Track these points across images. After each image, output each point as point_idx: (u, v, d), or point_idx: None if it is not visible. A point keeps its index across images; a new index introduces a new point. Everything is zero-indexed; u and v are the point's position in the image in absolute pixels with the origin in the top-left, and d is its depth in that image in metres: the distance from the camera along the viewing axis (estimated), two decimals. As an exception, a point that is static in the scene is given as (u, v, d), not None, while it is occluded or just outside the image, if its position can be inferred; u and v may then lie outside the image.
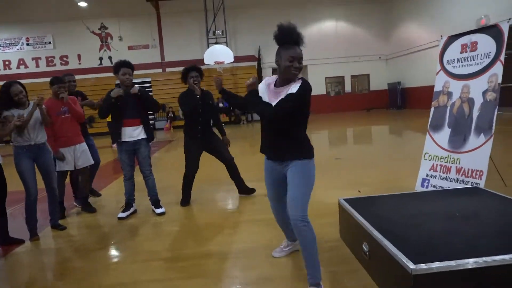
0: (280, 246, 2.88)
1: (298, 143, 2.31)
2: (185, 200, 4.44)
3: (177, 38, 19.37)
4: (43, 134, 3.67)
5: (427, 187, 3.96)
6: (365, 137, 10.75)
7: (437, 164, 3.89)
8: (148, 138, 4.10)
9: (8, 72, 19.01)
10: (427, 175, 4.00)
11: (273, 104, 2.24)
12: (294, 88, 2.18)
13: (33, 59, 19.19)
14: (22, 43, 19.09)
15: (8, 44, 19.04)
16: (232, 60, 16.14)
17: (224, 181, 5.20)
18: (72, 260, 3.20)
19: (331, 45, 19.98)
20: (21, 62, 19.18)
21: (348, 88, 20.84)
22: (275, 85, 2.33)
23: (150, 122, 4.49)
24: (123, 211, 4.14)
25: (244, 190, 4.64)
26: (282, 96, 2.22)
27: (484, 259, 1.82)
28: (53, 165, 3.77)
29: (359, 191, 4.37)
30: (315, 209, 3.84)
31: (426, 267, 1.78)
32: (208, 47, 17.41)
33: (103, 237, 3.67)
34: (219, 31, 18.58)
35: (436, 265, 1.79)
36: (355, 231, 2.63)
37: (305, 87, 2.19)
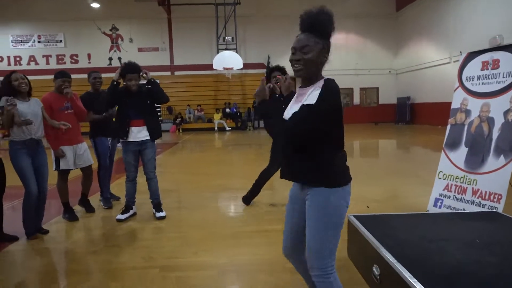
0: None
1: (318, 164, 1.70)
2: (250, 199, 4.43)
3: (187, 42, 19.40)
4: (42, 130, 3.56)
5: (440, 207, 3.78)
6: (372, 150, 10.57)
7: (452, 184, 3.71)
8: (154, 138, 3.98)
9: (18, 67, 19.09)
10: (440, 195, 3.82)
11: (292, 111, 1.71)
12: (313, 95, 1.63)
13: (43, 56, 19.31)
14: (34, 40, 19.23)
15: (20, 41, 19.20)
16: (241, 66, 16.11)
17: (235, 190, 5.08)
18: (66, 262, 3.06)
19: (341, 57, 19.89)
20: (32, 59, 19.31)
21: (356, 100, 20.70)
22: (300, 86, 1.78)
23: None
24: (122, 213, 4.01)
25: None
26: (301, 101, 1.69)
27: (512, 293, 1.65)
28: (47, 165, 3.64)
29: (367, 207, 4.20)
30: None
31: (447, 300, 1.62)
32: (218, 53, 17.41)
33: (100, 239, 3.53)
34: (229, 38, 18.60)
35: (457, 297, 1.62)
36: (365, 251, 2.46)
37: (329, 92, 1.62)
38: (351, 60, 19.96)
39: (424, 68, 17.54)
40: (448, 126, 3.95)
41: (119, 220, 3.92)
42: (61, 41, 19.29)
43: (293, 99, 1.80)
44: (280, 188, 5.71)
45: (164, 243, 3.37)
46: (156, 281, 2.60)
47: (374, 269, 2.27)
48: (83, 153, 4.08)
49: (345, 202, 1.74)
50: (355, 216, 2.84)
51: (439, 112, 13.54)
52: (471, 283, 1.78)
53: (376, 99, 20.79)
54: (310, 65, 1.66)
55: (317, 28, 1.65)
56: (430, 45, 17.22)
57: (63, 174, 4.02)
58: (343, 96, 20.81)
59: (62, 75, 3.91)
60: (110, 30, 19.50)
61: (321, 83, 1.66)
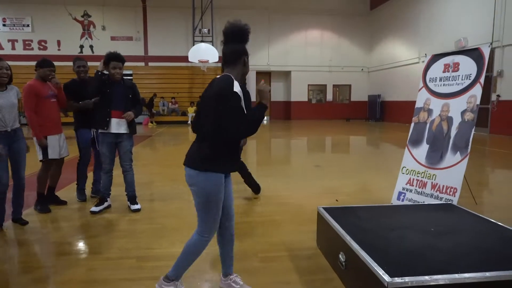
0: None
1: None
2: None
3: (162, 33, 19.11)
4: (17, 119, 3.51)
5: (403, 200, 4.04)
6: (344, 146, 10.92)
7: (413, 179, 3.98)
8: (131, 132, 4.00)
9: (-20, 52, 18.20)
10: (403, 189, 4.08)
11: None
12: None
13: (9, 41, 18.48)
14: (-2, 23, 18.35)
15: (-17, 23, 18.27)
16: (217, 59, 16.07)
17: None
18: (39, 254, 3.07)
19: (316, 53, 20.26)
20: (-5, 43, 18.43)
21: (329, 97, 21.16)
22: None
23: None
24: (96, 205, 4.02)
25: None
26: None
27: (457, 275, 1.86)
28: (25, 154, 3.61)
29: (336, 200, 4.42)
30: (295, 216, 3.88)
31: (401, 280, 1.80)
32: (194, 45, 17.28)
33: (74, 231, 3.54)
34: (205, 30, 18.47)
35: (411, 279, 1.82)
36: (333, 240, 2.64)
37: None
38: (326, 56, 20.36)
39: (395, 67, 18.17)
40: (412, 124, 4.21)
41: (93, 213, 3.93)
42: (28, 25, 18.50)
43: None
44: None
45: (140, 234, 3.43)
46: (132, 271, 2.67)
47: (340, 256, 2.45)
48: (63, 143, 4.07)
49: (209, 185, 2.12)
50: (324, 208, 3.02)
51: (408, 110, 14.10)
52: (426, 266, 1.98)
53: (349, 96, 21.32)
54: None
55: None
56: (401, 44, 17.83)
57: (47, 164, 3.99)
58: (317, 92, 21.23)
59: (48, 64, 3.88)
60: (82, 16, 18.89)
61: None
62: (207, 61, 16.28)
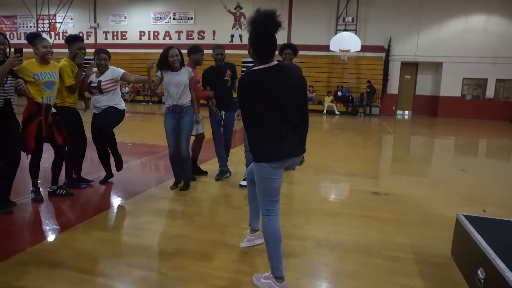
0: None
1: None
2: None
3: (306, 22, 19.35)
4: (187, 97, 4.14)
5: None
6: (501, 151, 9.27)
7: None
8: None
9: (156, 41, 21.76)
10: None
11: None
12: None
13: (176, 32, 21.54)
14: (170, 17, 21.54)
15: (159, 17, 21.72)
16: (359, 49, 15.52)
17: (339, 174, 5.11)
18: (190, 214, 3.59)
19: (476, 42, 17.46)
20: (167, 34, 21.72)
21: (490, 93, 18.07)
22: None
23: None
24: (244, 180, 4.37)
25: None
26: None
27: None
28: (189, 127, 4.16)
29: (484, 211, 3.83)
30: (428, 219, 3.55)
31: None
32: (336, 33, 17.03)
33: (221, 201, 4.01)
34: (349, 18, 17.93)
35: None
36: (472, 252, 2.33)
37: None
38: (490, 46, 17.38)
39: None
40: None
41: (242, 186, 4.32)
42: (191, 18, 21.21)
43: None
44: (384, 178, 5.55)
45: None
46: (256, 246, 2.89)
47: (479, 272, 2.16)
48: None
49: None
50: (465, 216, 2.68)
51: None
52: None
53: (516, 93, 17.84)
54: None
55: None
56: None
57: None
58: (473, 87, 18.43)
59: (199, 50, 4.54)
60: (235, 8, 20.61)
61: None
62: (348, 50, 15.86)
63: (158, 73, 4.03)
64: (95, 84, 4.03)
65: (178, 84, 3.96)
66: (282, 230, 2.49)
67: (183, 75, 4.00)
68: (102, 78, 4.06)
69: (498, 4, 17.14)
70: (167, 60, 3.91)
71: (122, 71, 4.15)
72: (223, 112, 4.61)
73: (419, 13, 17.65)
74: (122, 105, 4.21)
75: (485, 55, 17.48)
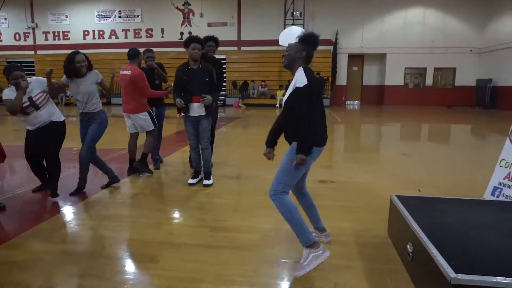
0: None
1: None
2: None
3: (255, 17, 19.50)
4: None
5: (498, 196, 3.59)
6: (440, 135, 9.97)
7: (513, 173, 3.50)
8: (208, 114, 4.27)
9: (101, 41, 20.89)
10: (500, 184, 3.61)
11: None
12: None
13: (122, 30, 20.81)
14: (115, 15, 20.75)
15: (103, 16, 20.84)
16: (307, 43, 15.84)
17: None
18: (125, 216, 3.52)
19: (416, 34, 18.58)
20: (113, 33, 20.91)
21: (429, 81, 19.34)
22: None
23: (221, 98, 4.76)
24: (192, 178, 4.45)
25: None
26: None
27: (540, 281, 1.64)
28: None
29: (419, 191, 4.13)
30: (369, 203, 3.75)
31: (466, 278, 1.66)
32: (284, 28, 17.31)
33: (164, 199, 3.97)
34: (297, 13, 18.32)
35: (478, 278, 1.66)
36: (402, 230, 2.51)
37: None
38: (427, 37, 18.54)
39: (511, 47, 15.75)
40: (517, 112, 3.67)
41: (191, 184, 4.37)
42: (138, 16, 20.57)
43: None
44: (332, 166, 5.77)
45: (216, 207, 3.70)
46: (205, 238, 2.92)
47: (408, 247, 2.33)
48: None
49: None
50: (397, 196, 2.87)
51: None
52: (500, 268, 1.78)
53: (452, 81, 19.21)
54: (288, 59, 2.49)
55: (303, 39, 2.50)
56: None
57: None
58: (415, 76, 19.56)
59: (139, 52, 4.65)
60: (183, 5, 20.28)
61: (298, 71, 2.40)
62: (297, 45, 16.18)
63: (64, 79, 3.86)
64: (27, 103, 3.63)
65: (84, 93, 3.86)
66: (230, 225, 2.51)
67: (90, 84, 3.87)
68: (31, 93, 3.64)
69: (433, -3, 18.30)
70: (74, 66, 3.74)
71: (42, 79, 3.81)
72: (154, 108, 5.02)
73: (363, 7, 18.42)
74: (61, 116, 3.89)
75: (424, 46, 18.63)
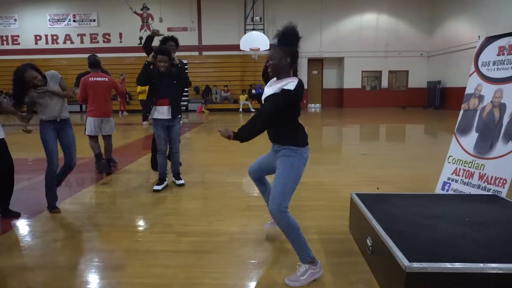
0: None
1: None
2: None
3: (216, 22, 19.53)
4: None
5: (447, 190, 3.88)
6: (397, 135, 10.50)
7: (460, 169, 3.79)
8: (175, 116, 4.32)
9: (55, 46, 20.01)
10: (448, 179, 3.90)
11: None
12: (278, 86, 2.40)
13: (78, 35, 20.05)
14: (69, 19, 19.96)
15: (57, 20, 19.98)
16: (268, 47, 16.11)
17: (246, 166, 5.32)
18: (90, 225, 3.44)
19: (370, 38, 19.44)
20: (68, 38, 20.09)
21: (385, 83, 20.27)
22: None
23: (183, 103, 4.77)
24: (157, 184, 4.39)
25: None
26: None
27: (482, 265, 1.81)
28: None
29: (377, 188, 4.35)
30: (332, 202, 3.91)
31: (419, 266, 1.80)
32: (245, 33, 17.47)
33: (130, 207, 3.90)
34: (257, 18, 18.56)
35: (430, 265, 1.81)
36: (362, 225, 2.66)
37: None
38: (382, 41, 19.46)
39: (457, 50, 16.88)
40: (461, 112, 3.99)
41: (156, 191, 4.32)
42: (94, 20, 19.92)
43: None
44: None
45: (182, 212, 3.70)
46: (171, 244, 2.92)
47: (367, 241, 2.47)
48: None
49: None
50: (357, 194, 3.03)
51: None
52: (450, 255, 1.95)
53: (406, 83, 20.27)
54: (274, 69, 2.42)
55: (282, 41, 2.42)
56: (465, 26, 16.50)
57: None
58: (372, 79, 20.42)
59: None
60: (141, 9, 19.89)
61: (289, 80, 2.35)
62: (258, 49, 16.39)
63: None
64: None
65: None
66: (197, 229, 2.48)
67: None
68: None
69: (386, 3, 19.23)
70: (26, 85, 3.42)
71: None
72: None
73: (320, 13, 19.02)
74: (1, 132, 3.51)
75: (378, 50, 19.51)
